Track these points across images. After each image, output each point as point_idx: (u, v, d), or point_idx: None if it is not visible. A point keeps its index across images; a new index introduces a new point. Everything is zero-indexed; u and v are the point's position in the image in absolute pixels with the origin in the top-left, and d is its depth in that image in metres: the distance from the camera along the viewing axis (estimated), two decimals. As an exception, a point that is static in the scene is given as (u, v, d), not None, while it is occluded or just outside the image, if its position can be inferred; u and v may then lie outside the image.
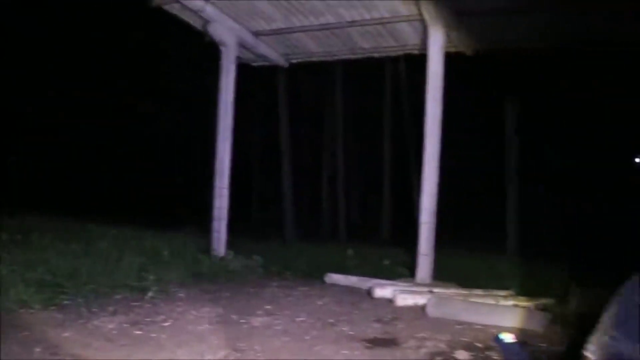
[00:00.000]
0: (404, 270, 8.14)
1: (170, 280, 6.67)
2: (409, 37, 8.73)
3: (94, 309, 5.14)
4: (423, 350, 4.43)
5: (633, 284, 2.27)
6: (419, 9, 7.71)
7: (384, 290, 6.71)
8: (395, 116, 18.71)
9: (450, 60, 7.91)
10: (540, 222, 14.56)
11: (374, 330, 5.11)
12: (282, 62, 10.19)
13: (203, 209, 9.32)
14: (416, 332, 4.99)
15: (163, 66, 18.78)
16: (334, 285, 7.60)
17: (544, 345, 4.67)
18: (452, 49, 8.35)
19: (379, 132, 19.06)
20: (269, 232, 15.21)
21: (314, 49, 9.73)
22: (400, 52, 9.72)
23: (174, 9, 8.84)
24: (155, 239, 8.62)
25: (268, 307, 5.89)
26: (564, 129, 15.41)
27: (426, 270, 7.41)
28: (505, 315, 5.52)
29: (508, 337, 2.59)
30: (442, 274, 7.49)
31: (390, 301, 6.41)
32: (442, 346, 4.55)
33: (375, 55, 9.80)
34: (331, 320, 5.38)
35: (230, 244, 8.86)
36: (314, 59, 10.22)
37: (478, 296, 6.46)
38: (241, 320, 5.22)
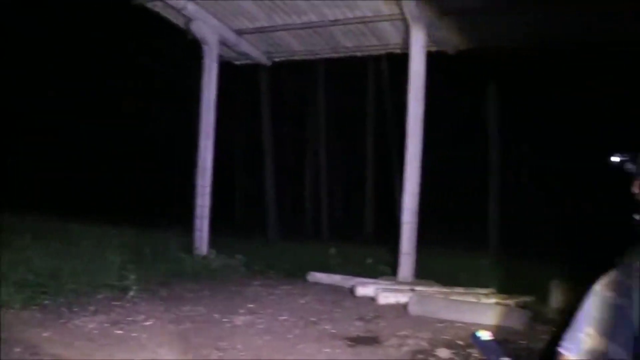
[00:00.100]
0: (387, 269, 8.17)
1: (151, 280, 6.64)
2: (391, 36, 8.76)
3: (75, 309, 5.10)
4: (405, 348, 4.46)
5: (607, 279, 2.31)
6: (400, 9, 7.73)
7: (366, 288, 6.74)
8: (377, 115, 18.75)
9: (432, 59, 7.95)
10: (523, 221, 14.70)
11: (356, 328, 5.13)
12: (264, 60, 10.18)
13: (187, 208, 9.27)
14: (398, 330, 5.01)
15: (155, 65, 18.65)
16: (316, 283, 7.62)
17: (524, 342, 4.72)
18: (434, 48, 8.40)
19: (362, 131, 19.09)
20: (252, 230, 15.20)
21: (297, 47, 9.74)
22: (383, 51, 9.80)
23: (156, 6, 8.80)
24: (138, 238, 8.56)
25: (250, 305, 5.88)
26: (546, 127, 15.54)
27: (408, 268, 7.44)
28: (486, 313, 5.57)
29: (485, 335, 2.60)
30: (424, 273, 7.52)
31: (372, 299, 6.44)
32: (424, 344, 4.58)
33: (358, 54, 9.85)
34: (313, 319, 5.39)
35: (213, 242, 8.84)
36: (297, 57, 10.23)
37: (459, 294, 6.52)
38: (223, 319, 5.20)
